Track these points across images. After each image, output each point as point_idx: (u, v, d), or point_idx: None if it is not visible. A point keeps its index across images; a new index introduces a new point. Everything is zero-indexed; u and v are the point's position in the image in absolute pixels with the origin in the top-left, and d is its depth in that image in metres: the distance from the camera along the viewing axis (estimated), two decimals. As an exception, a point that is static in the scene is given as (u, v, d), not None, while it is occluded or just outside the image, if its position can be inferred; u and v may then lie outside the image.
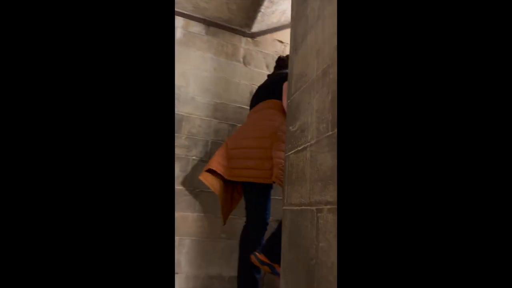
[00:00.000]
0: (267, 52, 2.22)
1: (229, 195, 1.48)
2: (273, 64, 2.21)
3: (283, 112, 1.39)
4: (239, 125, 1.99)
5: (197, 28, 2.03)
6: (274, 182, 1.27)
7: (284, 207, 0.98)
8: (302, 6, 1.14)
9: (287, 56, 1.70)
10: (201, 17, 2.05)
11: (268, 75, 1.74)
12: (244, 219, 1.45)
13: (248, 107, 2.06)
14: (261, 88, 1.62)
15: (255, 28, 2.18)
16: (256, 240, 1.30)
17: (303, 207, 0.84)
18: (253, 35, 2.19)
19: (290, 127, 1.05)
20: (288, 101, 1.12)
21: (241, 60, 2.13)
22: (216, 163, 1.38)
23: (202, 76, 1.97)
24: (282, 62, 1.71)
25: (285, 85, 1.44)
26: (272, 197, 1.42)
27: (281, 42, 2.28)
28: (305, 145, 0.89)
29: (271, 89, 1.50)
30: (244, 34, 2.17)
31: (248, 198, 1.40)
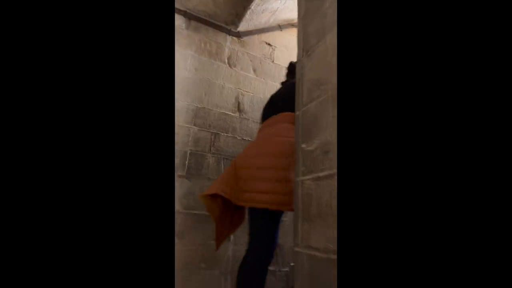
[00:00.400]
0: (254, 55, 2.02)
1: (228, 219, 1.21)
2: (260, 68, 2.02)
3: None
4: (222, 134, 1.75)
5: (176, 21, 1.76)
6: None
7: (297, 249, 0.77)
8: (314, 2, 0.95)
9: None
10: (182, 8, 1.79)
11: (282, 83, 1.51)
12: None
13: (233, 113, 1.83)
14: (274, 98, 1.36)
15: (242, 27, 1.97)
16: (260, 273, 1.08)
17: (331, 256, 0.64)
18: (239, 35, 1.97)
19: (304, 145, 0.85)
20: (298, 112, 0.93)
21: (226, 60, 1.90)
22: (223, 184, 1.12)
23: (181, 76, 1.70)
24: (293, 69, 1.49)
25: None
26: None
27: (269, 44, 2.10)
28: (331, 172, 0.69)
29: (287, 100, 1.23)
30: (230, 32, 1.95)
31: (255, 224, 1.14)
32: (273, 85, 2.03)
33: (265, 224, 1.10)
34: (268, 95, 2.04)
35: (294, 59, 2.25)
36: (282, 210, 1.04)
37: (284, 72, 2.12)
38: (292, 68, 1.51)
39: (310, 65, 0.90)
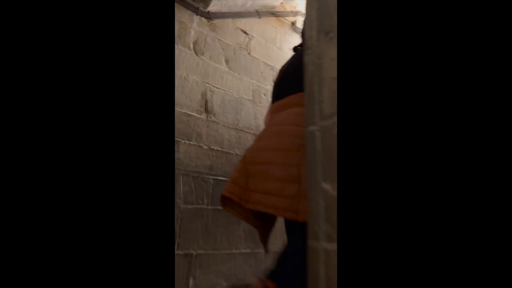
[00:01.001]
0: (227, 43, 1.63)
1: (258, 218, 0.98)
2: (234, 59, 1.64)
3: None
4: (183, 141, 1.33)
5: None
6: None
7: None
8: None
9: None
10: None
11: (295, 49, 1.15)
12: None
13: (198, 115, 1.43)
14: (286, 73, 1.05)
15: (214, 6, 1.57)
16: None
17: None
18: (209, 15, 1.57)
19: (326, 186, 0.52)
20: (313, 127, 0.59)
21: (191, 46, 1.49)
22: (231, 184, 0.94)
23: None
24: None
25: None
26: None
27: (245, 33, 1.73)
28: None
29: (298, 75, 0.93)
30: (197, 11, 1.53)
31: (289, 233, 0.90)
32: (249, 83, 1.67)
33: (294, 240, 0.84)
34: (243, 94, 1.68)
35: (273, 54, 1.96)
36: (287, 217, 0.81)
37: (261, 68, 1.79)
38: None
39: (334, 53, 0.57)
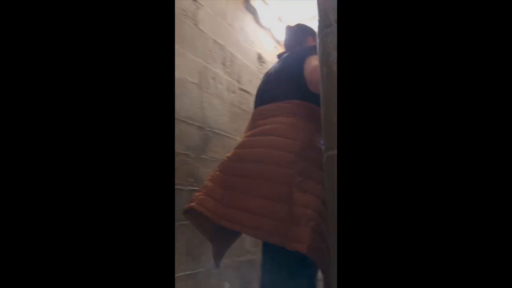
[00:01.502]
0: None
1: (222, 235, 0.89)
2: (177, 31, 1.29)
3: (309, 118, 0.81)
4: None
5: None
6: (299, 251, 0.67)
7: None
8: None
9: (300, 25, 1.12)
10: None
11: (280, 55, 1.08)
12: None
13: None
14: (270, 78, 0.96)
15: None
16: None
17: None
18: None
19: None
20: (331, 152, 0.51)
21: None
22: (204, 196, 0.82)
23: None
24: (293, 35, 1.07)
25: (311, 65, 0.81)
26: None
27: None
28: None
29: (288, 81, 0.87)
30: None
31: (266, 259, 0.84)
32: (196, 63, 1.36)
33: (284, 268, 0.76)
34: (187, 76, 1.36)
35: (223, 31, 1.67)
36: (272, 242, 0.71)
37: (210, 46, 1.49)
38: (293, 33, 1.09)
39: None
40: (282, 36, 1.63)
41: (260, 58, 1.84)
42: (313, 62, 0.78)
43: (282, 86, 0.89)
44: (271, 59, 1.78)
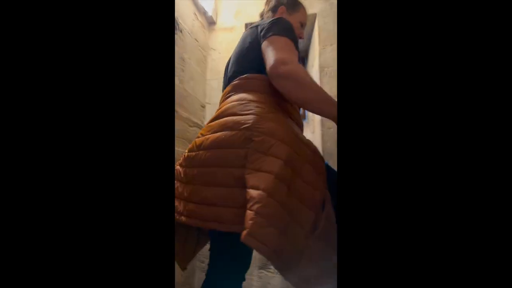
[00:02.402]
0: None
1: (184, 237, 0.81)
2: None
3: (263, 90, 0.76)
4: None
5: None
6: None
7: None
8: None
9: None
10: None
11: (251, 27, 0.97)
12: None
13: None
14: (235, 51, 0.90)
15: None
16: None
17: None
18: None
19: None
20: None
21: None
22: None
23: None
24: (275, 9, 0.97)
25: (265, 43, 0.75)
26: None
27: None
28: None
29: (246, 52, 0.83)
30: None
31: (214, 251, 0.75)
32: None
33: (228, 256, 0.69)
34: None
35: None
36: (233, 231, 0.61)
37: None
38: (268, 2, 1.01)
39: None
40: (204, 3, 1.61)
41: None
42: (276, 54, 0.70)
43: (236, 65, 0.85)
44: (189, 28, 1.69)
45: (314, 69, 1.85)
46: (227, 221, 0.62)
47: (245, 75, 0.80)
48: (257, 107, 0.71)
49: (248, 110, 0.70)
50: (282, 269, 0.59)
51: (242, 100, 0.74)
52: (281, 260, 0.57)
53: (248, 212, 0.57)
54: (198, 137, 0.77)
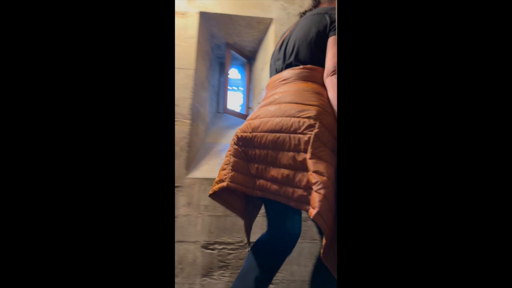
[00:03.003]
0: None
1: (240, 205, 0.90)
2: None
3: (322, 83, 0.81)
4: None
5: None
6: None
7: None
8: None
9: None
10: None
11: (302, 14, 1.03)
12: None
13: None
14: (289, 39, 0.92)
15: None
16: (277, 260, 0.80)
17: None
18: None
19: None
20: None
21: None
22: (234, 173, 0.82)
23: None
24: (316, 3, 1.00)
25: (332, 39, 0.81)
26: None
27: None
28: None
29: (311, 41, 0.84)
30: None
31: (273, 211, 0.83)
32: None
33: (286, 211, 0.79)
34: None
35: None
36: (301, 209, 0.72)
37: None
38: None
39: None
40: None
41: None
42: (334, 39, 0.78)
43: (295, 50, 0.86)
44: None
45: (264, 72, 1.87)
46: (295, 199, 0.71)
47: (309, 65, 0.83)
48: (320, 99, 0.77)
49: (313, 101, 0.76)
50: (326, 252, 0.65)
51: (307, 90, 0.79)
52: (330, 241, 0.65)
53: (316, 194, 0.64)
54: (252, 119, 0.82)
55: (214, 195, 0.86)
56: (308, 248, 1.52)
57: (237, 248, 1.49)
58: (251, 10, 1.77)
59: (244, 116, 2.06)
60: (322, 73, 0.82)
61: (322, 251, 0.64)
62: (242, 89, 2.35)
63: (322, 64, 0.82)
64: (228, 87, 2.06)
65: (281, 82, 0.85)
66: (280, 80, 0.86)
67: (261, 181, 0.78)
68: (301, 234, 1.52)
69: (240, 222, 1.50)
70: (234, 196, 0.87)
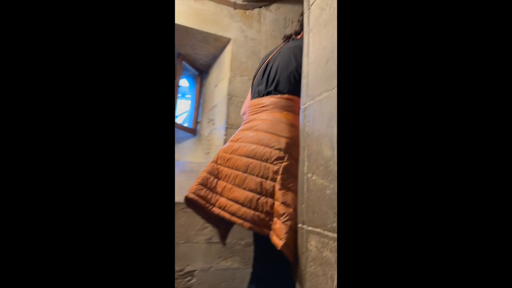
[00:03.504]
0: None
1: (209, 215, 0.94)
2: None
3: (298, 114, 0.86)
4: None
5: None
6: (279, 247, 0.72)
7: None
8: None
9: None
10: None
11: (285, 38, 1.09)
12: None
13: None
14: (269, 66, 0.98)
15: None
16: None
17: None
18: None
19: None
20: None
21: None
22: (198, 185, 0.88)
23: None
24: (300, 29, 1.04)
25: None
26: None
27: None
28: None
29: (291, 70, 0.90)
30: None
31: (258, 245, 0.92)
32: None
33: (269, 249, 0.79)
34: None
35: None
36: (257, 231, 0.78)
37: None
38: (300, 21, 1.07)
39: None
40: None
41: None
42: None
43: (276, 79, 0.92)
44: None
45: (217, 89, 1.85)
46: (252, 221, 0.76)
47: (286, 95, 0.89)
48: (292, 131, 0.83)
49: (285, 133, 0.82)
50: (293, 270, 0.72)
51: (282, 121, 0.85)
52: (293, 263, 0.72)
53: (283, 225, 0.70)
54: (233, 141, 0.89)
55: (186, 202, 0.90)
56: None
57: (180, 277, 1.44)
58: (209, 26, 1.73)
59: (191, 130, 2.00)
60: (298, 102, 0.85)
61: (293, 271, 0.72)
62: (189, 96, 2.27)
63: (297, 93, 0.86)
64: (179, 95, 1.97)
65: (261, 108, 0.92)
66: (260, 105, 0.92)
67: (223, 200, 0.84)
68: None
69: (183, 249, 1.46)
70: (204, 208, 0.91)
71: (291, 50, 0.95)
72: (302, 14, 1.04)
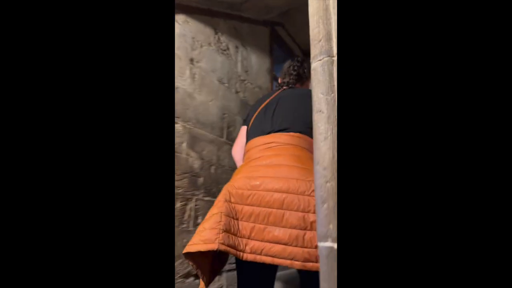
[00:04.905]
0: None
1: (209, 267, 0.83)
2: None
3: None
4: None
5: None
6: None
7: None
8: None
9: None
10: None
11: (280, 84, 1.12)
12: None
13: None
14: (276, 107, 0.99)
15: None
16: None
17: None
18: None
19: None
20: None
21: None
22: (224, 234, 0.73)
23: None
24: (301, 69, 1.10)
25: None
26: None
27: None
28: None
29: (304, 111, 0.91)
30: None
31: (248, 278, 0.84)
32: None
33: (263, 279, 0.81)
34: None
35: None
36: (306, 269, 0.73)
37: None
38: (298, 68, 1.10)
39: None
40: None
41: None
42: None
43: (285, 119, 0.93)
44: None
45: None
46: (301, 259, 0.71)
47: (298, 133, 0.90)
48: (312, 164, 0.81)
49: (309, 165, 0.80)
50: None
51: (302, 156, 0.85)
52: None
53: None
54: (249, 177, 0.82)
55: (188, 254, 0.75)
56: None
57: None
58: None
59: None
60: (311, 142, 0.84)
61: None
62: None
63: (309, 134, 0.89)
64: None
65: (272, 144, 0.90)
66: (271, 142, 0.91)
67: (255, 243, 0.75)
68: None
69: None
70: (204, 257, 0.80)
71: (300, 98, 0.98)
72: (294, 66, 1.12)
